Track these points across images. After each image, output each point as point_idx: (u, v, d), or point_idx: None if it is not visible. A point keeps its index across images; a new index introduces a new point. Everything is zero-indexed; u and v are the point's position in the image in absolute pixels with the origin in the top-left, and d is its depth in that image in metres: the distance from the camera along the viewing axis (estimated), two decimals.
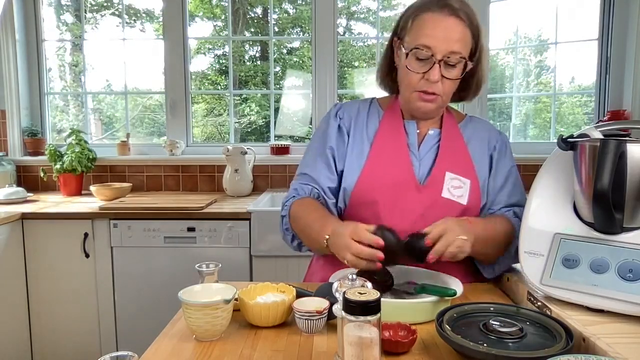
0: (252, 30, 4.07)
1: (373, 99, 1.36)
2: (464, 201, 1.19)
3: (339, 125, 1.30)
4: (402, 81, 1.23)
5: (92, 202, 2.54)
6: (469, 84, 1.26)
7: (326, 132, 1.31)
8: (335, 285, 0.84)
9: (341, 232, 1.04)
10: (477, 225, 1.10)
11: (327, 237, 1.08)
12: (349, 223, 1.06)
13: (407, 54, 1.17)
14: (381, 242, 0.98)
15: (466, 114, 1.35)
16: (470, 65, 1.18)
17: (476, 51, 1.20)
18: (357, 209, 1.23)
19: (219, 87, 3.99)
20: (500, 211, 1.24)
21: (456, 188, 1.20)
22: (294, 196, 1.27)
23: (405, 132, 1.26)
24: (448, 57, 1.14)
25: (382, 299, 0.71)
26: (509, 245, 1.17)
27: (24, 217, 2.30)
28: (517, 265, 1.14)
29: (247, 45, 3.95)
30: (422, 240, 1.02)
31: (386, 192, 1.20)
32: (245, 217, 2.28)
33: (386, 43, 1.30)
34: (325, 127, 1.32)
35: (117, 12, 3.23)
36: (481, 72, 1.25)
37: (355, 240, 1.00)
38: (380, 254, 0.98)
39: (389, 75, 1.30)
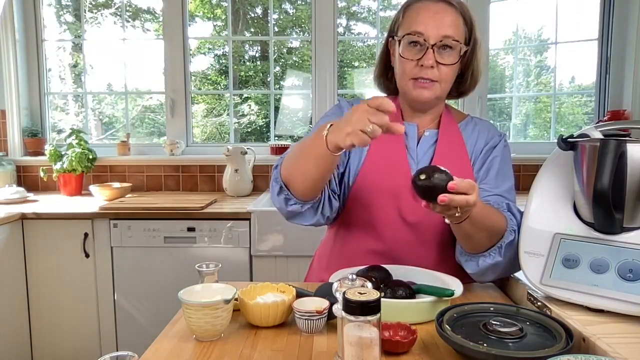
0: (252, 30, 4.08)
1: None
2: None
3: None
4: (398, 73, 1.22)
5: (92, 202, 2.54)
6: (465, 78, 1.25)
7: (341, 114, 1.25)
8: (335, 285, 0.84)
9: (352, 109, 0.91)
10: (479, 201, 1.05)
11: (330, 124, 0.95)
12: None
13: (400, 43, 1.18)
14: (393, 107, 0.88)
15: (468, 114, 1.34)
16: (464, 49, 1.17)
17: (470, 41, 1.20)
18: (355, 210, 1.23)
19: (219, 87, 4.00)
20: (489, 199, 1.17)
21: None
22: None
23: (405, 134, 1.26)
24: (441, 42, 1.14)
25: (382, 299, 0.71)
26: (497, 238, 1.10)
27: (24, 217, 2.30)
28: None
29: (247, 45, 3.95)
30: (443, 177, 0.91)
31: (382, 195, 1.20)
32: (245, 217, 2.28)
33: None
34: (340, 112, 1.26)
35: (117, 12, 3.23)
36: (477, 65, 1.24)
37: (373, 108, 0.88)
38: (392, 106, 0.87)
39: (384, 75, 1.30)
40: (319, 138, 0.97)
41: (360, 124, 0.88)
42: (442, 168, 0.93)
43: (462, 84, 1.27)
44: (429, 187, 0.92)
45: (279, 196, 1.14)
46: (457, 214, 0.95)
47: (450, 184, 0.90)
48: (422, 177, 0.92)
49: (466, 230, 1.05)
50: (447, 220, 1.02)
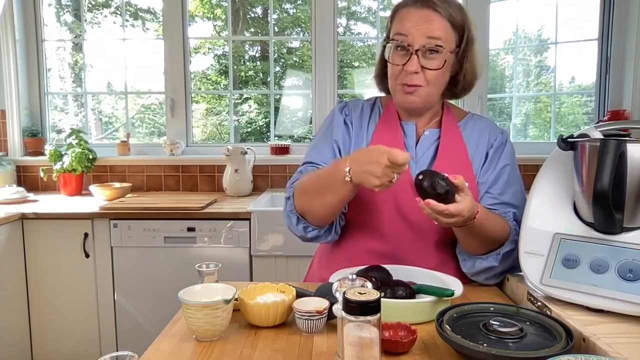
0: (252, 30, 4.08)
1: (377, 98, 1.36)
2: None
3: (344, 121, 1.30)
4: (388, 76, 1.23)
5: (92, 202, 2.54)
6: (457, 80, 1.24)
7: (331, 126, 1.30)
8: (335, 285, 0.84)
9: (370, 148, 1.04)
10: (482, 208, 1.08)
11: (348, 168, 1.04)
12: (375, 148, 1.03)
13: (388, 48, 1.19)
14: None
15: (468, 112, 1.33)
16: (449, 53, 1.17)
17: (461, 43, 1.19)
18: (355, 211, 1.24)
19: (219, 87, 4.00)
20: (494, 209, 1.19)
21: None
22: (297, 179, 1.24)
23: (404, 133, 1.26)
24: (424, 47, 1.14)
25: (382, 299, 0.71)
26: (497, 245, 1.14)
27: (24, 217, 2.30)
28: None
29: (247, 45, 3.95)
30: (446, 185, 0.99)
31: (381, 195, 1.20)
32: (245, 217, 2.28)
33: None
34: (331, 121, 1.32)
35: (117, 12, 3.23)
36: (470, 68, 1.23)
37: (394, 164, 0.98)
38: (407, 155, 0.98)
39: (383, 75, 1.30)
40: (340, 178, 1.06)
41: (386, 177, 1.00)
42: (443, 175, 1.00)
43: (455, 85, 1.26)
44: (424, 188, 1.00)
45: (298, 226, 1.22)
46: (444, 221, 1.01)
47: (428, 201, 0.99)
48: (420, 177, 1.00)
49: (463, 235, 1.11)
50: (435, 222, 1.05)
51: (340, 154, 1.26)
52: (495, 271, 1.16)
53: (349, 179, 1.05)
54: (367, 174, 1.01)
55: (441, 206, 0.97)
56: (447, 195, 0.99)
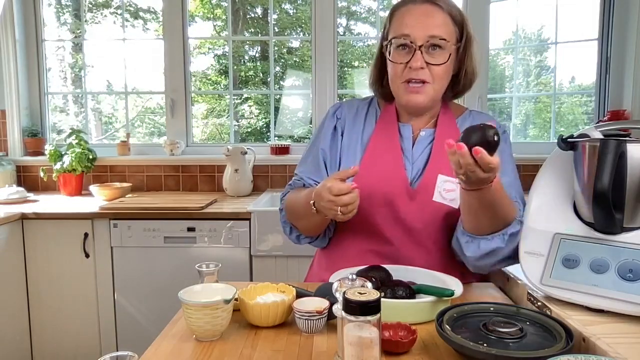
0: (252, 30, 4.07)
1: (373, 97, 1.35)
2: (455, 205, 1.16)
3: (335, 126, 1.31)
4: (390, 77, 1.22)
5: (92, 202, 2.54)
6: (459, 78, 1.24)
7: (320, 133, 1.33)
8: (335, 285, 0.84)
9: (320, 191, 1.07)
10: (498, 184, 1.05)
11: (313, 201, 1.10)
12: (326, 181, 1.07)
13: (389, 48, 1.18)
14: (354, 185, 1.03)
15: (467, 108, 1.33)
16: (454, 47, 1.16)
17: (461, 39, 1.19)
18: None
19: (219, 87, 4.00)
20: None
21: (448, 191, 1.18)
22: (289, 191, 1.31)
23: (400, 135, 1.25)
24: (428, 42, 1.14)
25: (382, 299, 0.71)
26: (504, 224, 1.09)
27: (24, 217, 2.30)
28: (517, 266, 1.13)
29: (247, 45, 3.95)
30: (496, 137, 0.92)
31: (378, 199, 1.20)
32: (245, 217, 2.28)
33: None
34: (321, 127, 1.34)
35: (117, 12, 3.23)
36: (470, 64, 1.22)
37: (335, 195, 1.03)
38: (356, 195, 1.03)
39: (379, 81, 1.30)
40: (309, 208, 1.12)
41: (331, 212, 1.05)
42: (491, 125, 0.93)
43: (457, 84, 1.25)
44: (471, 138, 0.93)
45: (291, 235, 1.31)
46: (481, 176, 0.94)
47: (476, 149, 0.91)
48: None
49: (474, 206, 1.05)
50: (458, 180, 1.01)
51: (325, 164, 1.29)
52: (502, 254, 1.11)
53: (314, 209, 1.10)
54: (324, 209, 1.07)
55: (490, 158, 0.91)
56: (495, 146, 0.92)
